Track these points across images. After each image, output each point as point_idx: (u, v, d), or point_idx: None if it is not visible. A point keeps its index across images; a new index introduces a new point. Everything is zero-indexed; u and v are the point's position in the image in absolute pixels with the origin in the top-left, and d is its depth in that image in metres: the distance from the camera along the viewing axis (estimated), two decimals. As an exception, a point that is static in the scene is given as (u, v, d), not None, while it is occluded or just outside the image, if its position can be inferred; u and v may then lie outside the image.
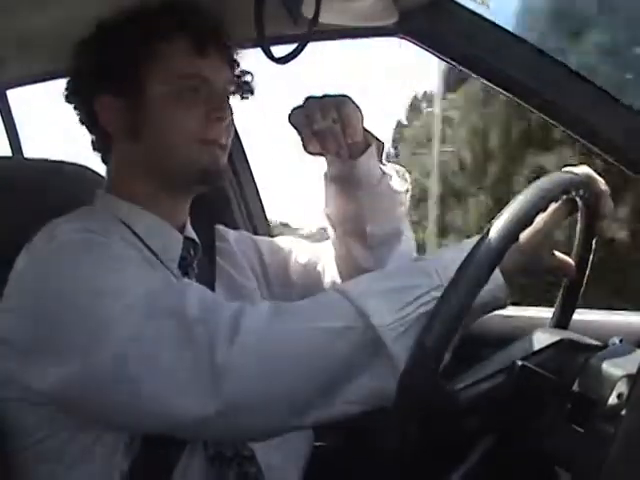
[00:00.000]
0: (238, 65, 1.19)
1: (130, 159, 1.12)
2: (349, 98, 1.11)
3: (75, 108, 1.16)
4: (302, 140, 1.11)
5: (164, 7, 1.09)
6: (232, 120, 1.14)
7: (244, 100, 1.22)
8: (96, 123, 1.12)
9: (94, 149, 1.18)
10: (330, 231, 1.27)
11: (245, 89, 1.22)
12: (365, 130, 1.16)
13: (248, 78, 1.22)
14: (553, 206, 0.91)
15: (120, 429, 0.98)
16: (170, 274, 1.09)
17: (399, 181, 1.21)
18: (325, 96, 1.10)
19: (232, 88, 1.17)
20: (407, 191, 1.22)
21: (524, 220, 0.81)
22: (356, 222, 1.20)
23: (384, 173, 1.19)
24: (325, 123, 1.08)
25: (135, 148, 1.10)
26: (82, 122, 1.16)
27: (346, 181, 1.18)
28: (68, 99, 1.16)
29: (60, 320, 0.92)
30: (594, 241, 0.99)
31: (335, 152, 1.11)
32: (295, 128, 1.11)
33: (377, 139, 1.18)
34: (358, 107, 1.12)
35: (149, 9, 1.09)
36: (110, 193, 1.14)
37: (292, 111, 1.11)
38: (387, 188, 1.19)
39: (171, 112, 1.07)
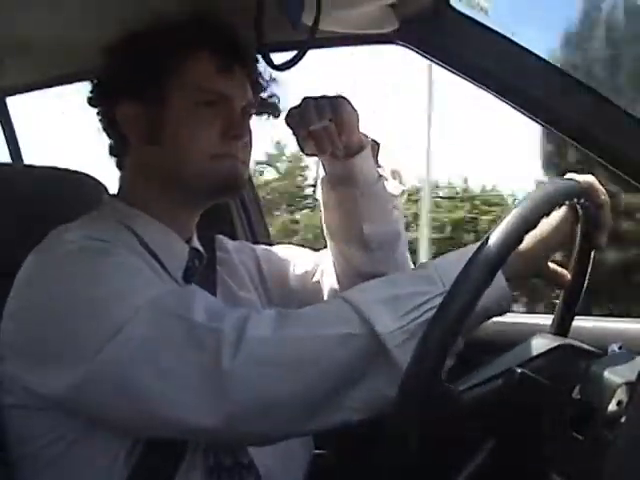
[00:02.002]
0: (263, 86, 1.20)
1: (146, 166, 1.12)
2: (345, 99, 1.12)
3: (98, 113, 1.17)
4: (297, 141, 1.12)
5: (191, 22, 1.11)
6: (250, 138, 1.14)
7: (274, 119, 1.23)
8: (116, 129, 1.13)
9: (111, 154, 1.19)
10: (328, 238, 1.27)
11: (271, 110, 1.22)
12: (361, 132, 1.16)
13: (274, 100, 1.22)
14: (556, 214, 0.92)
15: (124, 433, 0.98)
16: (175, 283, 1.09)
17: (395, 184, 1.22)
18: (321, 97, 1.11)
19: (253, 109, 1.17)
20: (402, 193, 1.23)
21: (528, 224, 0.81)
22: (353, 224, 1.20)
23: (380, 175, 1.20)
24: (321, 124, 1.09)
25: (152, 156, 1.10)
26: (102, 126, 1.17)
27: (343, 182, 1.18)
28: (91, 103, 1.17)
29: (65, 325, 0.92)
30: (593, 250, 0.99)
31: (330, 152, 1.11)
32: (291, 129, 1.12)
33: (373, 140, 1.19)
34: (354, 108, 1.13)
35: (177, 23, 1.10)
36: (120, 199, 1.14)
37: (289, 112, 1.12)
38: (383, 190, 1.19)
39: (188, 124, 1.08)
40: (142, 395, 0.88)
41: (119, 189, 1.18)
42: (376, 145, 1.20)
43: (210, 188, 1.11)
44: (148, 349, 0.88)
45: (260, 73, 1.19)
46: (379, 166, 1.21)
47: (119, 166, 1.18)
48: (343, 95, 1.12)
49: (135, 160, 1.14)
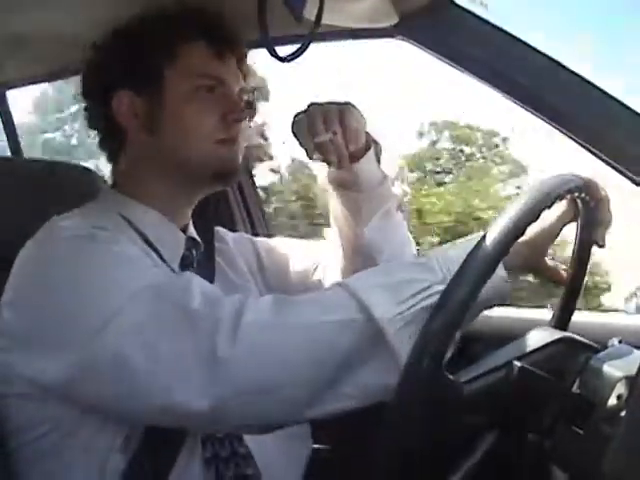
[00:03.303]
0: (250, 77, 1.20)
1: (146, 155, 1.12)
2: (352, 105, 1.11)
3: (88, 104, 1.17)
4: (305, 150, 1.12)
5: (185, 12, 1.12)
6: (249, 123, 1.16)
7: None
8: (112, 120, 1.12)
9: (102, 146, 1.19)
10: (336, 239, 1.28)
11: (250, 105, 1.21)
12: (365, 133, 1.16)
13: (252, 96, 1.22)
14: (556, 207, 0.92)
15: (122, 420, 0.98)
16: (172, 272, 1.09)
17: (398, 184, 1.22)
18: (328, 103, 1.11)
19: (247, 95, 1.18)
20: (405, 194, 1.23)
21: (530, 215, 0.81)
22: (357, 226, 1.21)
23: (385, 176, 1.20)
24: (327, 135, 1.08)
25: (152, 144, 1.11)
26: (92, 118, 1.17)
27: (346, 185, 1.19)
28: (83, 94, 1.17)
29: (61, 312, 0.92)
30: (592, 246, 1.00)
31: (337, 162, 1.11)
32: (296, 138, 1.12)
33: (375, 142, 1.19)
34: (361, 114, 1.13)
35: (174, 12, 1.12)
36: (116, 190, 1.15)
37: (294, 119, 1.12)
38: (387, 191, 1.20)
39: (188, 110, 1.09)
40: (138, 381, 0.88)
41: (113, 181, 1.18)
42: (378, 145, 1.20)
43: (210, 173, 1.12)
44: (145, 335, 0.88)
45: (248, 62, 1.19)
46: (380, 168, 1.20)
47: (112, 158, 1.18)
48: (350, 102, 1.12)
49: (134, 150, 1.14)
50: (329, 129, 1.08)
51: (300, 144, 1.12)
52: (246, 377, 0.86)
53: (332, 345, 0.87)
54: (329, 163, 1.13)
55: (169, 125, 1.10)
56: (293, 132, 1.12)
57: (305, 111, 1.11)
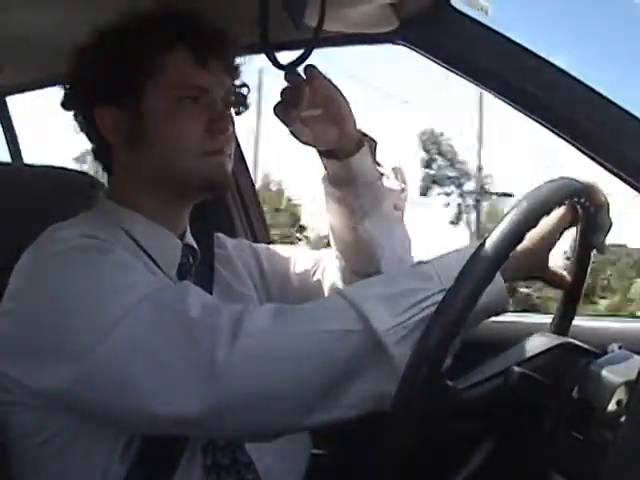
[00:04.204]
0: (238, 76, 1.18)
1: (131, 168, 1.11)
2: (333, 85, 1.12)
3: (75, 116, 1.16)
4: (291, 131, 1.12)
5: (164, 18, 1.09)
6: (234, 130, 1.14)
7: (239, 115, 1.21)
8: (96, 132, 1.11)
9: (95, 158, 1.18)
10: (330, 237, 1.27)
11: (240, 102, 1.21)
12: (358, 130, 1.17)
13: (244, 91, 1.21)
14: (555, 213, 0.92)
15: (121, 428, 0.98)
16: (169, 280, 1.09)
17: (396, 180, 1.21)
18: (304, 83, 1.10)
19: (232, 97, 1.16)
20: (403, 190, 1.22)
21: (529, 222, 0.81)
22: (353, 223, 1.20)
23: (381, 173, 1.19)
24: (312, 112, 1.10)
25: (136, 158, 1.10)
26: (82, 130, 1.16)
27: (341, 181, 1.18)
28: (66, 107, 1.16)
29: (60, 323, 0.92)
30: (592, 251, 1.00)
31: (327, 145, 1.12)
32: (281, 119, 1.10)
33: (371, 138, 1.19)
34: (345, 98, 1.13)
35: (149, 20, 1.09)
36: (111, 199, 1.14)
37: (277, 103, 1.10)
38: (382, 188, 1.19)
39: (172, 123, 1.07)
40: (137, 391, 0.88)
41: (109, 189, 1.18)
42: (374, 143, 1.20)
43: (198, 185, 1.10)
44: (143, 345, 0.88)
45: (236, 63, 1.17)
46: (378, 164, 1.20)
47: (105, 168, 1.17)
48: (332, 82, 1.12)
49: (120, 163, 1.13)
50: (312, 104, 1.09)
51: (285, 124, 1.11)
52: (244, 386, 0.86)
53: (331, 355, 0.87)
54: (318, 140, 1.13)
55: (153, 139, 1.08)
56: (276, 114, 1.09)
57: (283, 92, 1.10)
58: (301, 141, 1.13)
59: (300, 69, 1.08)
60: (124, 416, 0.92)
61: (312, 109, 1.11)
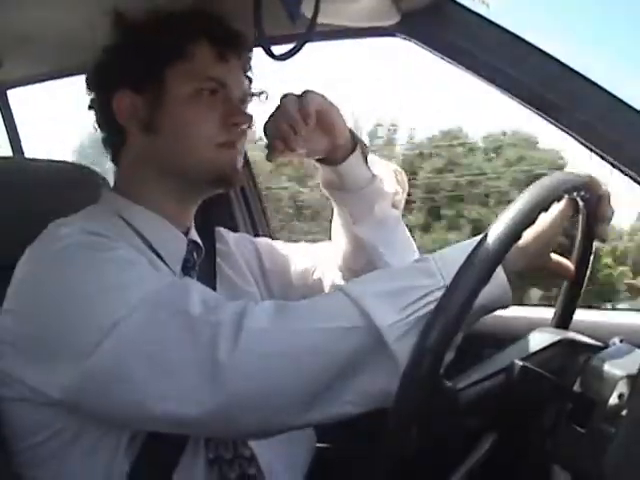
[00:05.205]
0: (251, 80, 1.19)
1: (144, 156, 1.12)
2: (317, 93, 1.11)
3: (91, 102, 1.16)
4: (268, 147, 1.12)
5: (191, 13, 1.11)
6: (250, 127, 1.14)
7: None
8: (113, 119, 1.12)
9: (106, 146, 1.18)
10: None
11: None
12: (350, 132, 1.16)
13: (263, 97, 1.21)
14: (555, 206, 0.92)
15: (124, 427, 0.98)
16: (173, 275, 1.09)
17: (392, 182, 1.21)
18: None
19: (250, 97, 1.17)
20: (402, 191, 1.22)
21: (527, 219, 0.81)
22: (348, 226, 1.21)
23: (373, 175, 1.19)
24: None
25: (151, 145, 1.10)
26: (97, 117, 1.16)
27: (334, 186, 1.19)
28: (88, 91, 1.17)
29: (63, 322, 0.92)
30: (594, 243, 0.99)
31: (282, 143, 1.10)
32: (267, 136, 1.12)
33: (362, 142, 1.19)
34: (332, 104, 1.13)
35: (177, 13, 1.10)
36: (117, 192, 1.14)
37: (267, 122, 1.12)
38: (376, 191, 1.19)
39: (189, 112, 1.08)
40: (140, 390, 0.88)
41: (115, 182, 1.18)
42: (365, 146, 1.19)
43: (208, 178, 1.11)
44: (145, 344, 0.88)
45: (251, 67, 1.19)
46: (369, 167, 1.19)
47: (114, 159, 1.17)
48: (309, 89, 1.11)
49: (133, 151, 1.13)
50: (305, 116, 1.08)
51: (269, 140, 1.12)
52: (246, 383, 0.86)
53: (333, 352, 0.87)
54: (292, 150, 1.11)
55: (169, 127, 1.09)
56: (267, 133, 1.11)
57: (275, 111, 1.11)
58: (271, 158, 1.13)
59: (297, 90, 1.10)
60: (126, 415, 0.93)
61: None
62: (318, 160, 1.18)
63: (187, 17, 1.11)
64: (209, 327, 0.88)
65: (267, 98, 1.20)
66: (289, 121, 1.09)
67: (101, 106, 1.15)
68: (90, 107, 1.17)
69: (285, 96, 1.11)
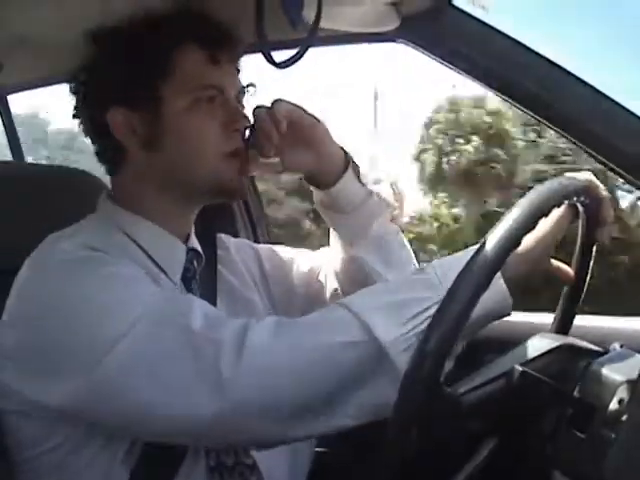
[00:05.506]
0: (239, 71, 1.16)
1: (147, 172, 1.08)
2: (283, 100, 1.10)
3: (83, 119, 1.12)
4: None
5: (176, 18, 1.07)
6: (249, 129, 1.11)
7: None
8: (108, 133, 1.07)
9: (102, 161, 1.14)
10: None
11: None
12: (343, 150, 1.14)
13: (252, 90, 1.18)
14: (555, 212, 0.91)
15: (124, 437, 0.98)
16: (173, 286, 1.08)
17: (389, 197, 1.20)
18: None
19: (242, 93, 1.14)
20: (401, 206, 1.21)
21: (526, 225, 0.80)
22: (345, 245, 1.19)
23: (368, 193, 1.16)
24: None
25: (152, 161, 1.07)
26: (86, 129, 1.12)
27: (329, 207, 1.16)
28: (77, 109, 1.12)
29: (63, 338, 0.91)
30: (594, 247, 0.99)
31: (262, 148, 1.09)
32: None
33: (354, 162, 1.15)
34: (317, 118, 1.11)
35: (161, 20, 1.06)
36: (115, 203, 1.11)
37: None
38: (375, 207, 1.16)
39: (190, 125, 1.05)
40: (141, 406, 0.88)
41: (113, 192, 1.14)
42: (357, 166, 1.16)
43: (214, 190, 1.09)
44: (147, 360, 0.88)
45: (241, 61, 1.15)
46: (363, 184, 1.16)
47: (110, 171, 1.14)
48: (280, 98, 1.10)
49: (134, 166, 1.09)
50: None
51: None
52: (248, 398, 0.87)
53: (335, 366, 0.87)
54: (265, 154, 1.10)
55: (172, 143, 1.05)
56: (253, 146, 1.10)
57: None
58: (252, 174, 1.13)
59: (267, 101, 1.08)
60: (128, 429, 0.93)
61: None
62: (308, 181, 1.15)
63: (172, 24, 1.06)
64: (211, 343, 0.88)
65: (256, 91, 1.16)
66: (262, 129, 1.07)
67: (93, 120, 1.10)
68: (75, 116, 1.12)
69: (256, 108, 1.09)
